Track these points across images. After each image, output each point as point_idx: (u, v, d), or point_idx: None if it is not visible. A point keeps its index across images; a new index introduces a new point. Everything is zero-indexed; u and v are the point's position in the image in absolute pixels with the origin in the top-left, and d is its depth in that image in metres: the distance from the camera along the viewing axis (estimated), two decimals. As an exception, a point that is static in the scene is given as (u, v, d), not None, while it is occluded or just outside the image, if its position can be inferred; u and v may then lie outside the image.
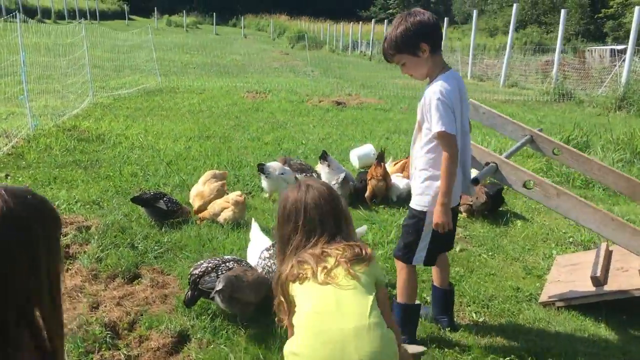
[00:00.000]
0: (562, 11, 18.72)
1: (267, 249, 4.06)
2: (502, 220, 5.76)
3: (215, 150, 8.53)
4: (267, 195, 6.29)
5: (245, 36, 49.28)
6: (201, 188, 5.84)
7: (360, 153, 7.67)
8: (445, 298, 3.72)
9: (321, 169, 6.40)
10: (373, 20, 37.88)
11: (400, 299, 3.49)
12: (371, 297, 2.30)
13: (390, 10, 68.44)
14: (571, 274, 4.22)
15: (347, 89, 16.99)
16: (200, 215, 5.62)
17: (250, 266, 3.98)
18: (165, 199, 5.54)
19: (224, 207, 5.39)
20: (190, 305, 3.84)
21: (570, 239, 5.35)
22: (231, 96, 14.46)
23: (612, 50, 28.00)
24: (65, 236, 5.08)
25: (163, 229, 5.35)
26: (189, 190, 6.10)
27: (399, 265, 3.49)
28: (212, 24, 53.57)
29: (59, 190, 6.38)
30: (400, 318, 3.45)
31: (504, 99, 16.93)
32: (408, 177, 6.31)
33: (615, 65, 21.51)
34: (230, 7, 66.71)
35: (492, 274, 4.50)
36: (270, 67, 24.22)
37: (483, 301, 4.03)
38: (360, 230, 4.36)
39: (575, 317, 3.85)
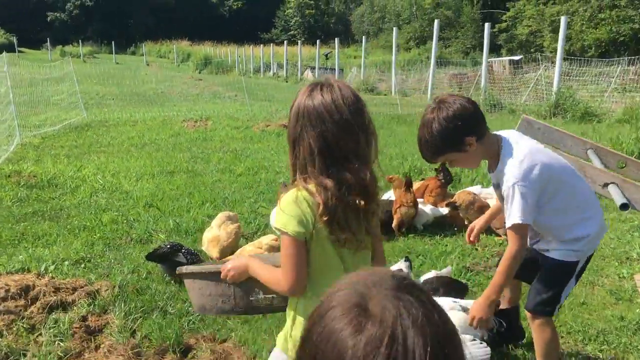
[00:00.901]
0: (486, 25, 19.25)
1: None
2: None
3: (190, 186, 7.76)
4: None
5: (148, 63, 47.54)
6: (217, 232, 5.14)
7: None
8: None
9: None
10: (285, 42, 37.69)
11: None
12: None
13: (292, 32, 68.97)
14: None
15: (283, 112, 16.49)
16: (223, 264, 4.92)
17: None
18: (183, 250, 4.83)
19: (257, 254, 4.73)
20: None
21: (627, 255, 5.14)
22: (169, 127, 13.56)
23: (510, 61, 29.63)
24: (75, 304, 4.24)
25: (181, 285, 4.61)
26: (187, 234, 5.38)
27: (542, 322, 2.99)
28: (111, 53, 51.39)
29: (34, 248, 5.44)
30: None
31: (440, 112, 17.07)
32: (431, 203, 5.94)
33: (520, 75, 22.60)
34: (126, 35, 64.45)
35: (583, 303, 4.16)
36: (191, 93, 23.26)
37: (597, 336, 3.67)
38: (446, 271, 3.87)
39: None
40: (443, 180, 6.06)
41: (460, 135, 2.66)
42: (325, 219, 1.86)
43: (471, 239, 3.35)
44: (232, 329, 3.94)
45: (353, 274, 1.04)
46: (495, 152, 2.78)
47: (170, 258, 4.75)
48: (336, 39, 29.02)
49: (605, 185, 3.29)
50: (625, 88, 18.85)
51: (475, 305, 2.88)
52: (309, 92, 1.92)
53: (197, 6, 75.91)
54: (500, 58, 33.60)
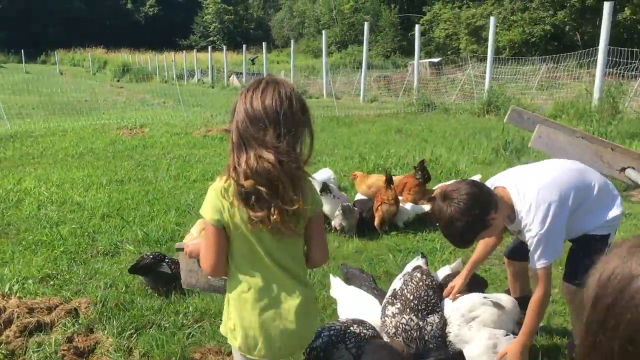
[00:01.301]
0: (417, 27, 19.61)
1: (391, 303, 3.32)
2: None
3: (144, 195, 7.35)
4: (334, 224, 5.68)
5: (62, 72, 45.38)
6: (197, 239, 4.84)
7: (320, 179, 7.03)
8: None
9: (324, 201, 5.72)
10: (210, 48, 37.04)
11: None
12: None
13: (211, 38, 67.95)
14: None
15: (219, 117, 16.13)
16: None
17: (375, 330, 3.25)
18: (167, 260, 4.53)
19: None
20: None
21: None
22: (104, 135, 12.91)
23: (430, 63, 30.58)
24: (56, 325, 3.87)
25: (172, 297, 4.33)
26: (158, 243, 5.07)
27: (579, 296, 2.99)
28: (20, 62, 48.67)
29: (-9, 266, 4.95)
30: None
31: (376, 113, 17.27)
32: (409, 200, 5.89)
33: (444, 75, 23.32)
34: (35, 43, 61.27)
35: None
36: (118, 101, 22.35)
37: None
38: (457, 264, 3.79)
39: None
40: (421, 179, 6.02)
41: (483, 219, 2.79)
42: (237, 201, 2.01)
43: (451, 297, 3.34)
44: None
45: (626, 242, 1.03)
46: (510, 207, 2.89)
47: (155, 269, 4.44)
48: (264, 43, 28.87)
49: (623, 169, 3.32)
50: (542, 85, 19.81)
51: (510, 353, 2.93)
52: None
53: (111, 12, 73.41)
54: (421, 60, 34.57)
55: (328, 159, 9.34)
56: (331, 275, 4.04)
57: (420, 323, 3.18)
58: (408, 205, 5.77)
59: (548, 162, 3.17)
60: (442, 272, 3.65)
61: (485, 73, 18.29)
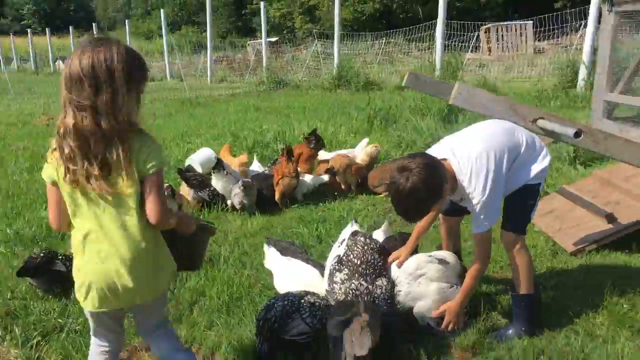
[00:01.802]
0: (262, 4, 19.43)
1: (338, 270, 3.23)
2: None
3: (2, 191, 6.49)
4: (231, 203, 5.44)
5: None
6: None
7: (201, 159, 6.70)
8: None
9: (216, 178, 5.43)
10: (29, 32, 33.66)
11: (525, 289, 3.17)
12: None
13: (25, 22, 61.95)
14: (562, 220, 4.42)
15: (57, 104, 14.81)
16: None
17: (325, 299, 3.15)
18: (61, 257, 4.02)
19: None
20: None
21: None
22: None
23: (268, 42, 30.64)
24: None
25: (73, 296, 3.85)
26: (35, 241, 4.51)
27: (518, 244, 3.13)
28: None
29: None
30: (529, 311, 3.17)
31: (228, 93, 16.92)
32: (305, 171, 5.83)
33: (286, 53, 23.58)
34: None
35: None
36: None
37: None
38: (385, 227, 3.79)
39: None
40: (314, 148, 5.95)
41: (441, 188, 2.83)
42: (57, 159, 2.09)
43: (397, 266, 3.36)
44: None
45: None
46: (453, 177, 2.95)
47: (49, 269, 3.92)
48: (94, 24, 26.84)
49: (535, 120, 3.52)
50: (385, 59, 20.76)
51: (450, 311, 3.09)
52: None
53: None
54: (259, 40, 34.40)
55: (197, 140, 8.95)
56: (265, 246, 3.85)
57: (370, 287, 3.14)
58: (307, 177, 5.70)
59: (478, 127, 3.24)
60: (376, 236, 3.63)
61: (329, 50, 18.80)
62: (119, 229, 2.16)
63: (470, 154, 2.94)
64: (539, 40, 19.90)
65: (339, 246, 3.49)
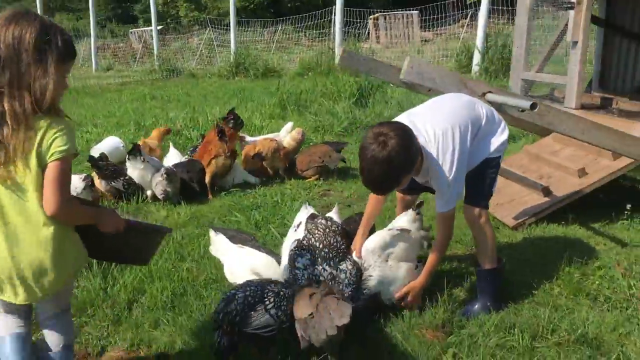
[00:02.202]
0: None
1: (299, 255, 3.02)
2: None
3: None
4: (152, 193, 5.06)
5: None
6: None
7: (108, 149, 6.16)
8: None
9: (132, 166, 5.00)
10: None
11: (489, 264, 3.15)
12: None
13: None
14: (499, 196, 4.47)
15: None
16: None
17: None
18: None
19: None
20: (227, 357, 2.68)
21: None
22: None
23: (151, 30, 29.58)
24: None
25: None
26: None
27: (482, 218, 3.10)
28: None
29: None
30: (493, 285, 3.16)
31: (117, 82, 16.03)
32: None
33: (176, 42, 22.79)
34: None
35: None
36: None
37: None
38: (335, 210, 3.61)
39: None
40: (233, 127, 5.64)
41: (415, 158, 2.72)
42: None
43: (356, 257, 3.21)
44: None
45: None
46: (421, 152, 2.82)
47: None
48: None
49: (484, 94, 3.50)
50: (283, 46, 20.56)
51: (414, 291, 3.04)
52: None
53: None
54: (143, 29, 33.08)
55: (96, 129, 8.32)
56: (212, 233, 3.54)
57: (334, 272, 2.98)
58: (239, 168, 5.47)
59: (437, 102, 3.14)
60: (334, 216, 3.45)
61: (222, 37, 18.39)
62: (19, 216, 2.01)
63: (435, 130, 2.83)
64: (423, 30, 20.57)
65: (295, 230, 3.29)
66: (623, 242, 3.94)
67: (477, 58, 11.94)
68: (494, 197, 4.36)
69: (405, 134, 2.66)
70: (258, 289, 2.77)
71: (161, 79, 16.50)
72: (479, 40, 11.93)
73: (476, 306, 3.13)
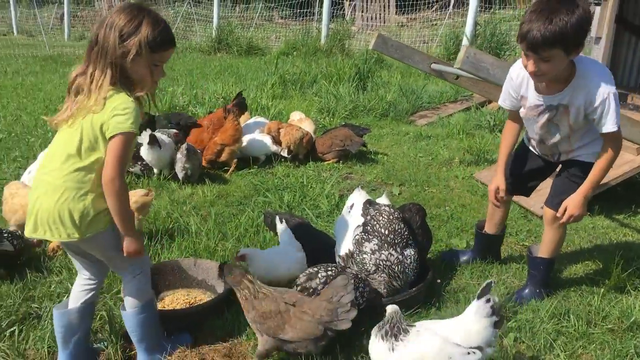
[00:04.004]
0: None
1: (366, 240, 3.05)
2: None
3: None
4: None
5: None
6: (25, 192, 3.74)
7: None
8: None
9: (151, 152, 4.92)
10: None
11: (550, 254, 3.20)
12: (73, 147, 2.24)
13: None
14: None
15: None
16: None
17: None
18: (6, 234, 3.43)
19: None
20: None
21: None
22: None
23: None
24: None
25: (27, 279, 3.32)
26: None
27: (556, 218, 3.07)
28: None
29: None
30: (545, 273, 3.23)
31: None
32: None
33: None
34: None
35: (462, 205, 4.55)
36: None
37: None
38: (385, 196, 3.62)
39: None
40: (239, 110, 5.60)
41: (584, 35, 2.61)
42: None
43: (499, 197, 3.23)
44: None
45: None
46: (568, 75, 2.77)
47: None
48: None
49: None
50: (263, 24, 20.23)
51: (571, 202, 2.93)
52: None
53: None
54: None
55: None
56: (278, 223, 3.48)
57: (400, 257, 3.02)
58: (267, 139, 5.46)
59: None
60: (384, 202, 3.48)
61: (201, 11, 18.02)
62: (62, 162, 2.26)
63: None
64: (398, 14, 20.59)
65: (349, 211, 3.32)
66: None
67: (465, 45, 12.04)
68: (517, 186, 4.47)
69: (588, 16, 2.62)
70: (338, 269, 2.82)
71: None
72: (468, 27, 12.01)
73: (526, 291, 3.22)
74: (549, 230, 3.18)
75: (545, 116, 2.95)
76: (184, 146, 4.87)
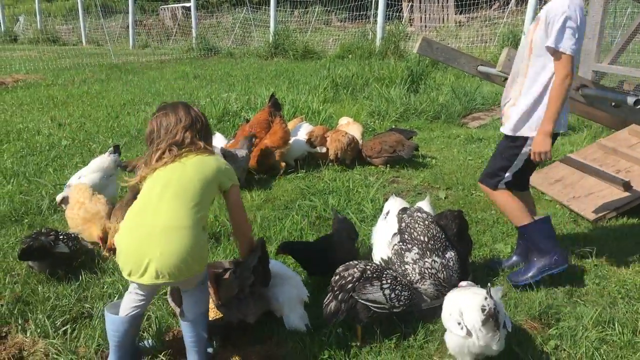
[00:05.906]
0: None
1: (407, 250, 3.08)
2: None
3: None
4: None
5: None
6: (93, 207, 3.95)
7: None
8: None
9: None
10: None
11: (516, 223, 3.35)
12: (194, 200, 2.47)
13: None
14: (574, 189, 4.48)
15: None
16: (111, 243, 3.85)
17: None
18: (62, 237, 3.61)
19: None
20: (331, 322, 2.81)
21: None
22: None
23: (182, 8, 29.51)
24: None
25: (82, 278, 3.50)
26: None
27: (488, 192, 3.39)
28: None
29: None
30: (531, 239, 3.31)
31: (156, 59, 16.10)
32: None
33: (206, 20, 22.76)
34: None
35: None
36: None
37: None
38: (427, 201, 3.63)
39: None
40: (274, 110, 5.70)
41: None
42: None
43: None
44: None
45: None
46: None
47: (51, 250, 3.49)
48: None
49: (579, 88, 3.50)
50: (320, 29, 20.41)
51: (535, 142, 3.05)
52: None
53: None
54: (174, 5, 33.07)
55: (148, 108, 8.41)
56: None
57: (443, 261, 3.03)
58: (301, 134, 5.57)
59: None
60: (425, 206, 3.49)
61: (260, 17, 18.33)
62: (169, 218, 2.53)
63: None
64: (457, 14, 20.28)
65: (385, 218, 3.35)
66: None
67: (524, 44, 11.76)
68: (569, 189, 4.39)
69: None
70: (379, 267, 2.88)
71: (199, 57, 16.54)
72: (526, 26, 11.74)
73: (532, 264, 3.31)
74: (494, 202, 3.45)
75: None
76: (219, 149, 4.97)
